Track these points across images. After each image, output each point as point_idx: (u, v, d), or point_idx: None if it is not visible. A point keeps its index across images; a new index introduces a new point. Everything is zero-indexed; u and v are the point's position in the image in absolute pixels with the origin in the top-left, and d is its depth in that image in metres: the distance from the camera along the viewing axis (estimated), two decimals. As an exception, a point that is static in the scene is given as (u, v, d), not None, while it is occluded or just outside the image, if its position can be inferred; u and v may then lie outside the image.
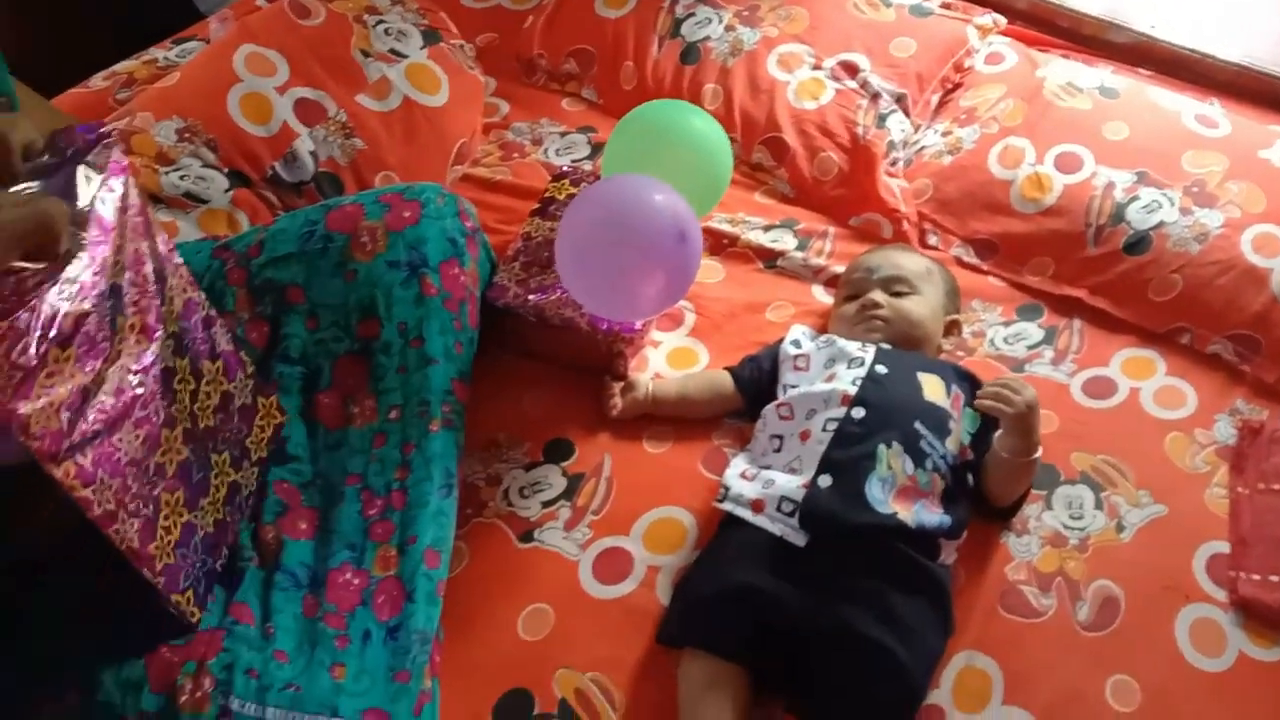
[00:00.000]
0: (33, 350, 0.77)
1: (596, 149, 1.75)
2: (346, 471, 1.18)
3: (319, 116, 1.53)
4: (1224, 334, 1.46)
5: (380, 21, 1.65)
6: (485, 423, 1.37)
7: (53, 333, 0.79)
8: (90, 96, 1.59)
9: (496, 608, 1.22)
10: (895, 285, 1.40)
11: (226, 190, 1.45)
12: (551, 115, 1.84)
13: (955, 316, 1.46)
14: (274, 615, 1.04)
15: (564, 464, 1.35)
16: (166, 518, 0.95)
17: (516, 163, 1.73)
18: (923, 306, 1.39)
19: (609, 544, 1.26)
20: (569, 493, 1.31)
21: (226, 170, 1.46)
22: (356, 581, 1.08)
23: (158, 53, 1.69)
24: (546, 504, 1.31)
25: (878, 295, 1.39)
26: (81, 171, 0.88)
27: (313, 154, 1.51)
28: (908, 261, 1.44)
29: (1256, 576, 1.22)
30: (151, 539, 0.93)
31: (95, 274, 0.85)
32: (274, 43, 1.55)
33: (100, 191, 0.88)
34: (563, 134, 1.80)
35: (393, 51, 1.63)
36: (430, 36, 1.69)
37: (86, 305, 0.83)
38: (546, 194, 1.53)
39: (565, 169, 1.59)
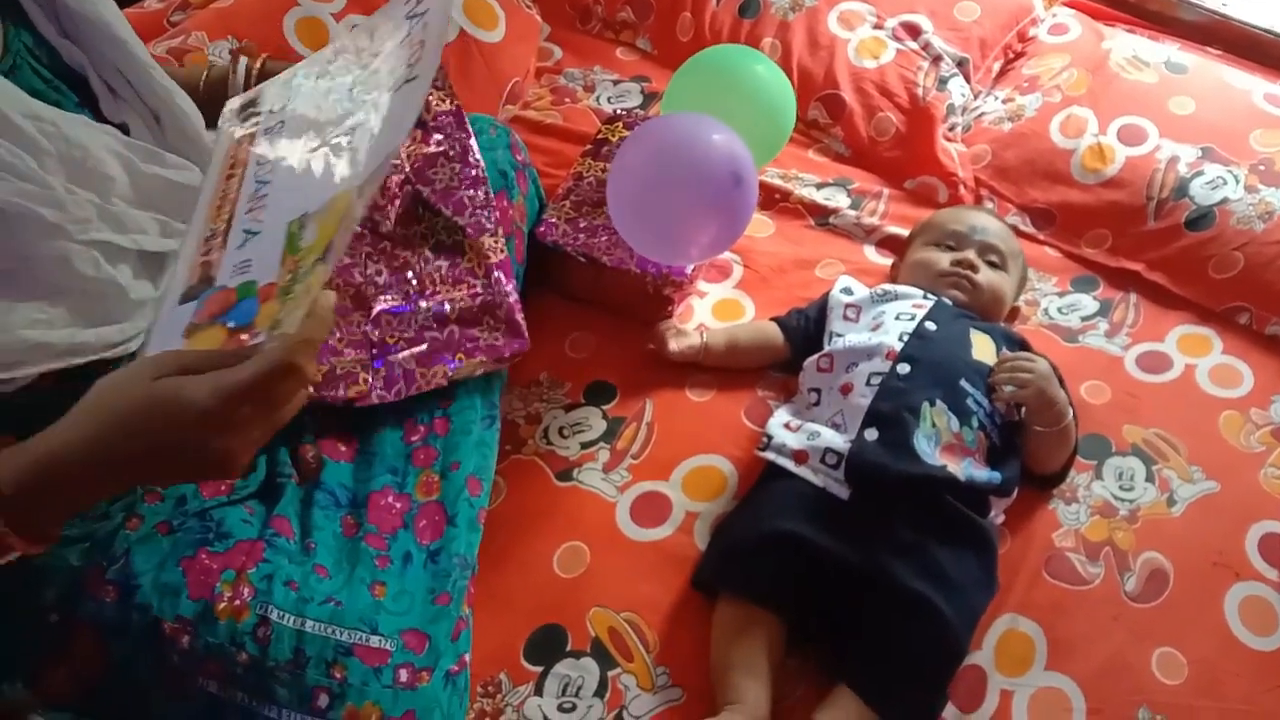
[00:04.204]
0: None
1: (649, 98, 1.73)
2: (389, 397, 1.17)
3: (373, 44, 1.51)
4: (1284, 316, 1.42)
5: (441, -47, 1.63)
6: (527, 361, 1.35)
7: None
8: (145, 17, 1.57)
9: (532, 543, 1.20)
10: (990, 255, 1.37)
11: (277, 112, 1.43)
12: (605, 63, 1.81)
13: (1019, 304, 1.43)
14: (314, 532, 1.03)
15: (605, 407, 1.33)
16: None
17: (568, 108, 1.71)
18: (1008, 286, 1.37)
19: (647, 488, 1.24)
20: (609, 435, 1.30)
21: (279, 92, 1.44)
22: (398, 505, 1.07)
23: (214, -22, 1.68)
24: (586, 445, 1.29)
25: (975, 258, 1.35)
26: None
27: None
28: (1007, 236, 1.41)
29: (1310, 558, 1.19)
30: None
31: None
32: (333, -30, 1.53)
33: None
34: (615, 82, 1.77)
35: (451, -17, 1.61)
36: (490, -30, 1.67)
37: None
38: (599, 136, 1.51)
39: (619, 112, 1.57)
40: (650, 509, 1.23)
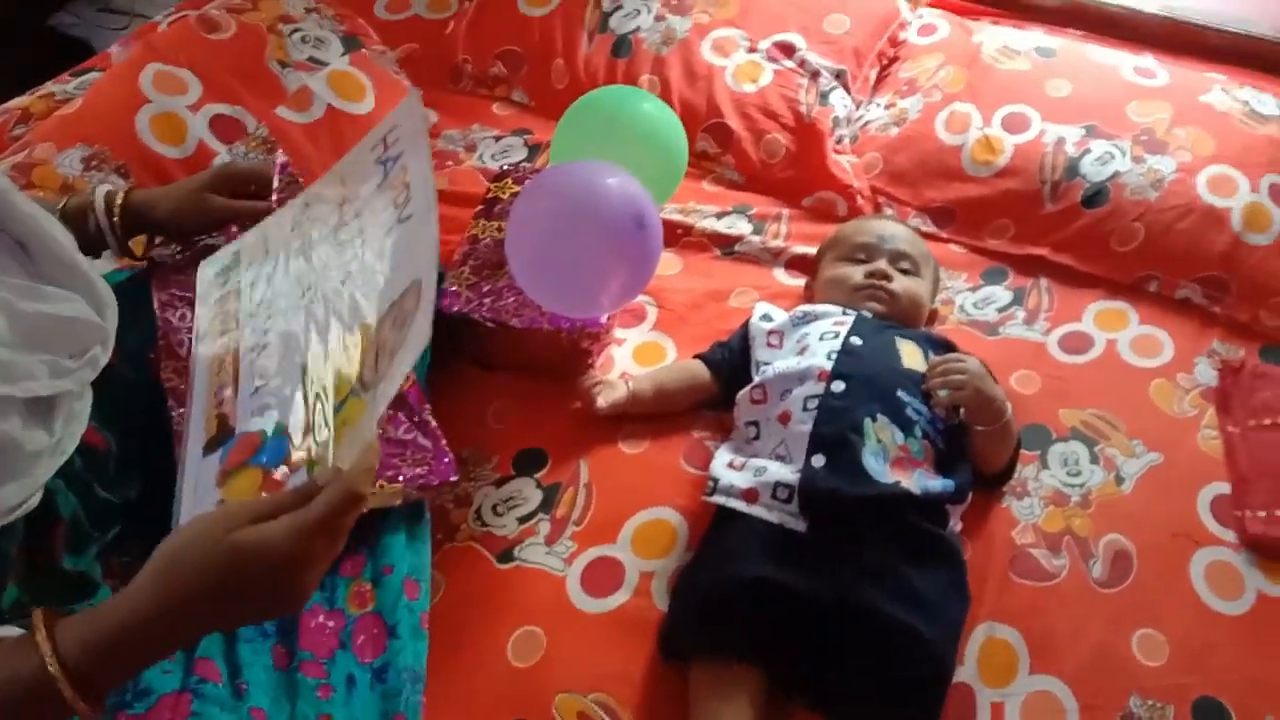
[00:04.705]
0: None
1: (534, 150, 1.68)
2: (304, 505, 1.08)
3: (238, 133, 1.44)
4: (1192, 278, 1.45)
5: (296, 30, 1.56)
6: (448, 441, 1.28)
7: None
8: (-18, 135, 1.46)
9: (482, 635, 1.12)
10: (902, 261, 1.35)
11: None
12: (483, 121, 1.76)
13: (937, 306, 1.42)
14: (243, 670, 0.93)
15: (537, 475, 1.26)
16: None
17: (451, 170, 1.65)
18: (923, 290, 1.35)
19: (596, 554, 1.18)
20: (546, 505, 1.23)
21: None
22: (331, 624, 0.98)
23: (54, 87, 1.57)
24: (523, 519, 1.22)
25: (888, 267, 1.33)
26: None
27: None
28: (913, 241, 1.40)
29: (1262, 513, 1.19)
30: None
31: None
32: (183, 60, 1.45)
33: None
34: (497, 138, 1.72)
35: (312, 60, 1.54)
36: (350, 43, 1.60)
37: None
38: (489, 194, 1.46)
39: (506, 168, 1.52)
40: (602, 576, 1.16)
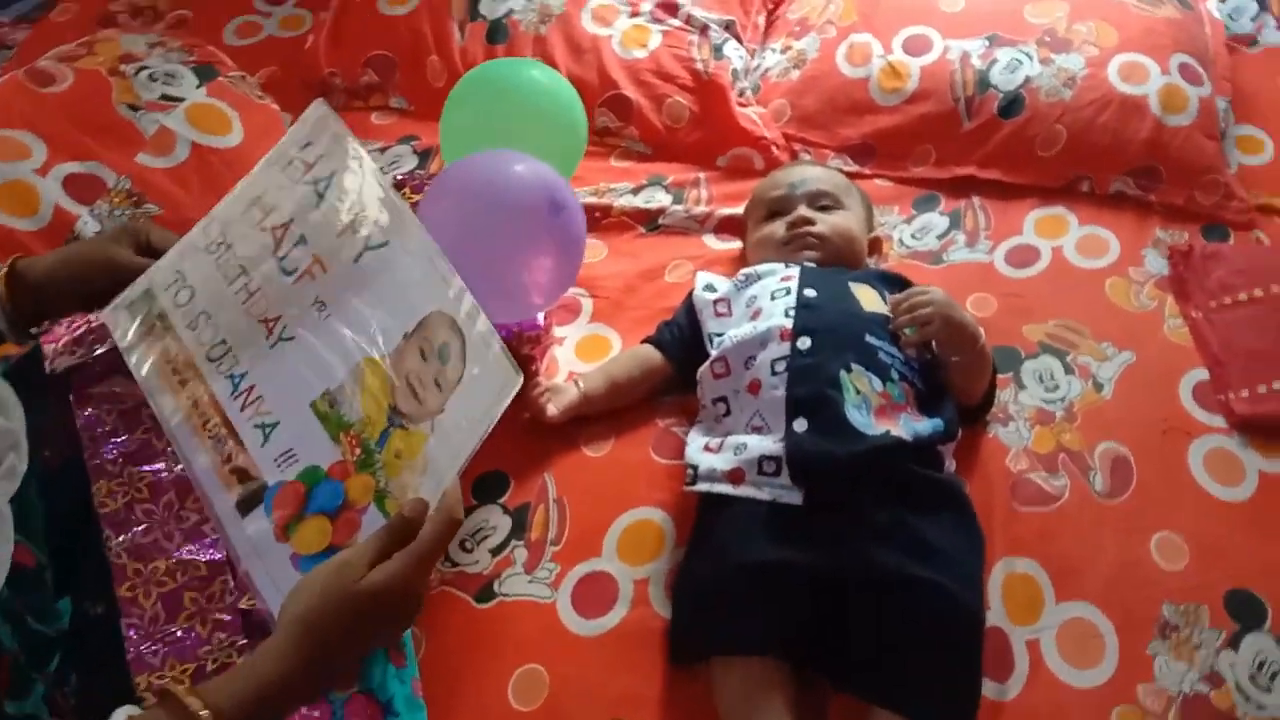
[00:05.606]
0: None
1: (424, 156, 1.57)
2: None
3: (98, 190, 1.28)
4: (1122, 171, 1.42)
5: (142, 68, 1.41)
6: (398, 481, 1.17)
7: None
8: None
9: (478, 685, 1.02)
10: (821, 200, 1.29)
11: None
12: (364, 134, 1.64)
13: (877, 234, 1.36)
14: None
15: (501, 499, 1.16)
16: None
17: (341, 193, 1.53)
18: (853, 222, 1.28)
19: (583, 571, 1.08)
20: (518, 530, 1.13)
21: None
22: (316, 714, 0.87)
23: None
24: (496, 550, 1.11)
25: (807, 211, 1.27)
26: None
27: (101, 234, 1.26)
28: (828, 176, 1.34)
29: (1245, 392, 1.17)
30: None
31: None
32: (18, 120, 1.29)
33: None
34: (382, 150, 1.60)
35: (165, 97, 1.39)
36: (205, 73, 1.46)
37: None
38: (390, 210, 1.34)
39: (400, 177, 1.41)
40: (594, 594, 1.07)
